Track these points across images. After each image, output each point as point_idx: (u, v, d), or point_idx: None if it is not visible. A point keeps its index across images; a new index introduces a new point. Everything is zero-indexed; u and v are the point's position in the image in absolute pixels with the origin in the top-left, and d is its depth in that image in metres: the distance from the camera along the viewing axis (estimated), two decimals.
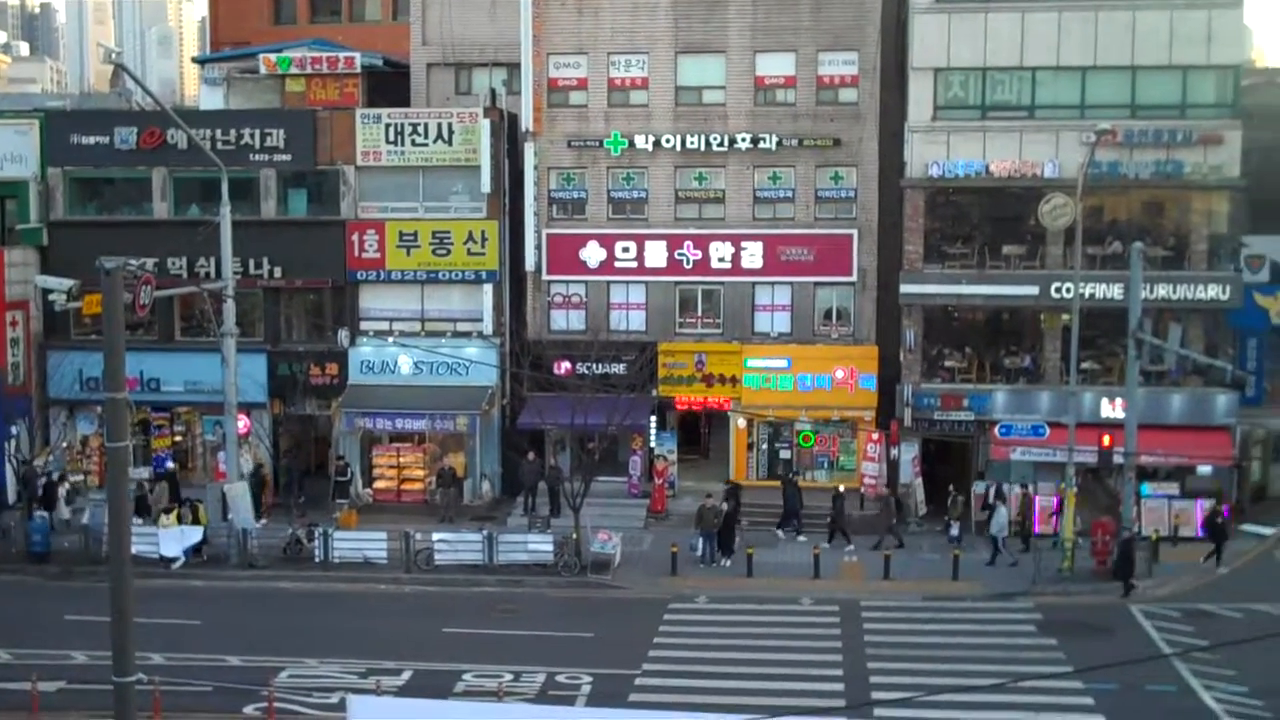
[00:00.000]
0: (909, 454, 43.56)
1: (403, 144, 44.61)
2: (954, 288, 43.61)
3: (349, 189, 45.12)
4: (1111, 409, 41.76)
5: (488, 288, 45.17)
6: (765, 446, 45.56)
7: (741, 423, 45.08)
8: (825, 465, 45.27)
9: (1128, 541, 36.70)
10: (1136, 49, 42.25)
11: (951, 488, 42.32)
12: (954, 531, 40.33)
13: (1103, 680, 28.87)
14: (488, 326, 45.24)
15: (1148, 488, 41.65)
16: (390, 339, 45.18)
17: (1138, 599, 36.29)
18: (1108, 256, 43.01)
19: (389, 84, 48.42)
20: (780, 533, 41.64)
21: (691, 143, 44.56)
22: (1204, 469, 42.60)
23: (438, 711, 18.46)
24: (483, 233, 44.86)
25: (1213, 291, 42.34)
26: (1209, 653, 30.72)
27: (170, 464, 44.97)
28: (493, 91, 46.62)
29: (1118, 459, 38.92)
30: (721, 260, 44.71)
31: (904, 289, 43.64)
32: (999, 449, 42.54)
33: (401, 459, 46.12)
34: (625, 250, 45.05)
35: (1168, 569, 38.47)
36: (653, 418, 44.70)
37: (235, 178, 41.86)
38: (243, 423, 41.98)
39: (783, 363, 44.71)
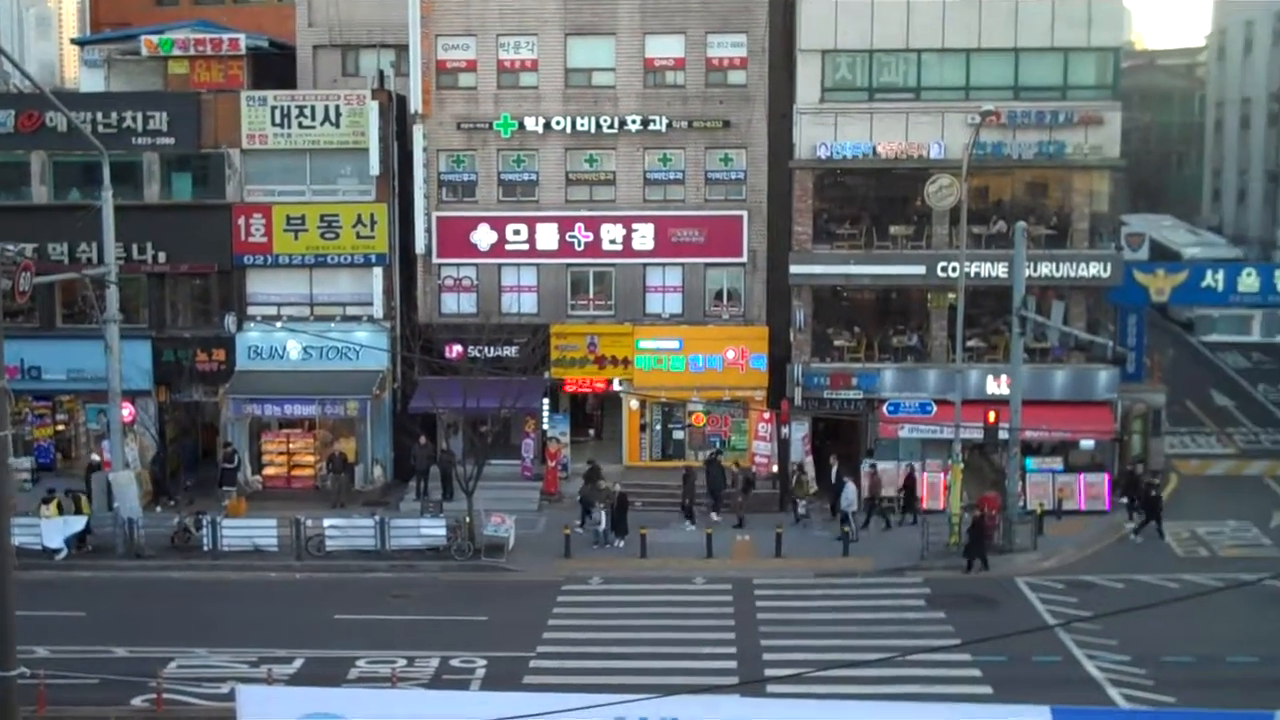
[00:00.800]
0: (799, 433, 43.95)
1: (289, 127, 44.05)
2: (842, 268, 44.05)
3: (234, 172, 44.47)
4: (997, 386, 42.46)
5: (377, 271, 44.80)
6: (661, 428, 45.67)
7: (634, 404, 45.20)
8: (717, 445, 45.47)
9: (978, 520, 37.23)
10: (1019, 31, 42.88)
11: (798, 466, 42.80)
12: (801, 510, 40.75)
13: (990, 652, 29.41)
14: (378, 310, 44.88)
15: (1032, 463, 42.44)
16: (278, 324, 44.65)
17: (1022, 570, 36.98)
18: (992, 236, 43.69)
19: (274, 66, 47.73)
20: (715, 515, 41.72)
21: (582, 125, 44.50)
22: (1086, 443, 43.51)
23: (330, 699, 18.33)
24: (372, 216, 44.46)
25: (1094, 269, 43.19)
26: (1092, 623, 31.41)
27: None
28: (381, 73, 46.18)
29: (1003, 435, 39.61)
30: (613, 242, 44.73)
31: (793, 269, 44.00)
32: (887, 427, 43.08)
33: (291, 445, 45.61)
34: (516, 233, 44.90)
35: (1052, 542, 39.24)
36: (545, 400, 44.65)
37: (117, 161, 41.05)
38: (127, 411, 41.25)
39: (674, 344, 44.87)
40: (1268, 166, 69.55)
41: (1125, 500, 41.32)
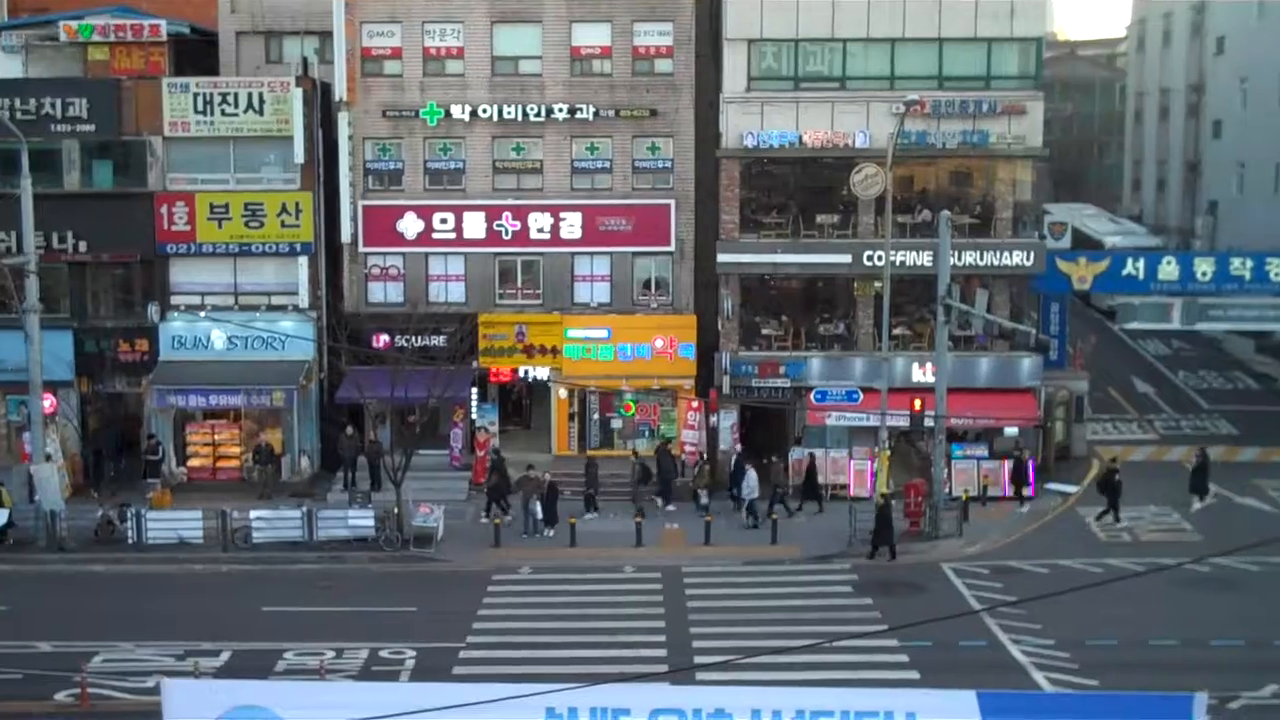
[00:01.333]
0: (728, 421, 44.14)
1: (212, 114, 43.56)
2: (770, 257, 44.26)
3: (156, 160, 43.92)
4: (922, 373, 42.84)
5: (303, 260, 44.44)
6: (597, 417, 45.65)
7: (563, 393, 45.17)
8: (646, 434, 45.58)
9: (883, 509, 37.48)
10: (943, 22, 43.21)
11: (703, 456, 42.96)
12: (703, 500, 40.93)
13: (917, 638, 29.70)
14: (304, 300, 44.53)
15: (958, 449, 42.87)
16: (202, 314, 44.19)
17: (949, 557, 37.36)
18: (917, 225, 44.05)
19: (197, 52, 47.17)
20: (660, 503, 41.75)
21: (508, 113, 44.35)
22: (1011, 430, 44.02)
23: (257, 692, 18.20)
24: (297, 204, 44.09)
25: (1017, 258, 43.67)
26: (1017, 608, 31.78)
27: None
28: (305, 60, 45.79)
29: (929, 422, 39.99)
30: (540, 231, 44.64)
31: (721, 258, 44.14)
32: (814, 415, 43.36)
33: (216, 436, 45.16)
34: (443, 221, 44.69)
35: (977, 528, 39.66)
36: (474, 389, 44.53)
37: (36, 149, 40.46)
38: (49, 402, 40.67)
39: (603, 333, 44.87)
40: (1186, 156, 70.65)
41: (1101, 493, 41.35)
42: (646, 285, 45.32)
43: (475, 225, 44.63)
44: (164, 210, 44.00)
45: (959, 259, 42.15)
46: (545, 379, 44.97)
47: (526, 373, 44.94)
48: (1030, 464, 42.23)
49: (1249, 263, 46.27)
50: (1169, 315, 46.44)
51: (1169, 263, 46.81)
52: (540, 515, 39.52)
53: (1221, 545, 35.24)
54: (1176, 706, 17.42)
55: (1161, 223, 72.76)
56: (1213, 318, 47.02)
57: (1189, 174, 70.38)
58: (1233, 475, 43.87)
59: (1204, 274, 46.16)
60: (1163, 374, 56.01)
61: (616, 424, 45.68)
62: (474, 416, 44.72)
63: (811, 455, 42.38)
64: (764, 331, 45.04)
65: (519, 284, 45.28)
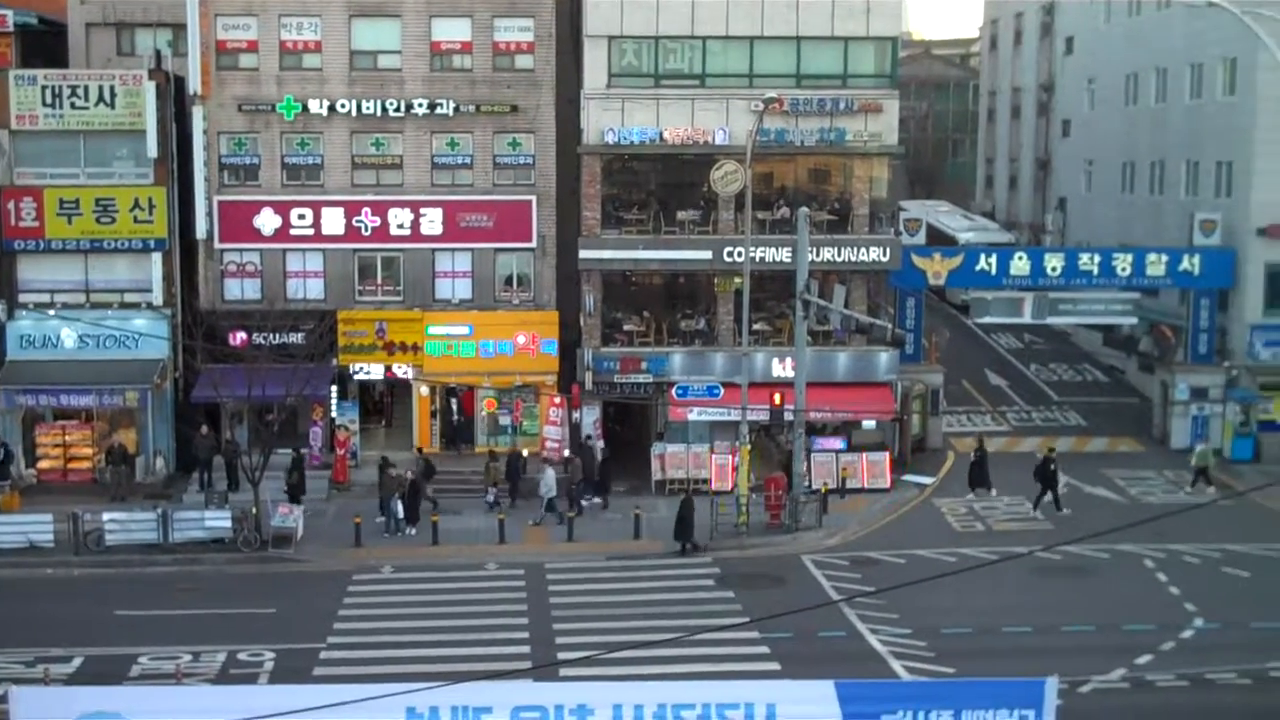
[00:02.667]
0: (590, 417, 44.21)
1: (61, 107, 42.48)
2: (631, 253, 44.42)
3: (3, 154, 42.71)
4: (782, 368, 43.33)
5: (156, 257, 43.56)
6: (463, 416, 45.38)
7: (424, 390, 44.88)
8: (509, 430, 45.48)
9: (686, 503, 37.67)
10: (800, 20, 43.70)
11: (490, 451, 42.81)
12: (489, 497, 40.85)
13: (778, 629, 30.04)
14: (157, 297, 43.65)
15: (817, 443, 43.43)
16: (52, 312, 43.09)
17: (808, 548, 37.83)
18: (776, 221, 44.52)
19: (45, 44, 46.01)
20: (585, 502, 41.51)
21: (367, 108, 43.92)
22: (869, 423, 44.74)
23: (109, 698, 17.85)
24: (150, 200, 43.20)
25: (874, 254, 44.37)
26: (875, 598, 32.29)
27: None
28: (157, 53, 44.86)
29: (788, 416, 40.46)
30: (401, 227, 44.29)
31: (583, 254, 44.20)
32: (677, 410, 43.63)
33: (68, 437, 44.09)
34: (301, 217, 44.11)
35: (836, 519, 40.21)
36: (333, 387, 44.04)
37: None
38: None
39: (465, 329, 44.67)
40: (1037, 154, 72.33)
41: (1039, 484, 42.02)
42: (508, 281, 45.20)
43: (334, 221, 44.13)
44: (11, 206, 42.82)
45: (817, 255, 42.72)
46: (409, 376, 44.64)
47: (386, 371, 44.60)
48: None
49: (1097, 258, 47.57)
50: (1020, 310, 47.54)
51: (1020, 258, 47.92)
52: (402, 514, 39.22)
53: (1072, 534, 36.20)
54: (1028, 692, 17.90)
55: (1013, 219, 74.41)
56: (1062, 312, 48.26)
57: (1039, 171, 72.07)
58: (1082, 465, 45.05)
59: (1054, 269, 47.34)
60: (1015, 367, 57.28)
61: (506, 420, 45.57)
62: (334, 415, 44.23)
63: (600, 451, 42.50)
64: (626, 327, 45.18)
65: (379, 280, 44.89)
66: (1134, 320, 48.84)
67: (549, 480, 40.22)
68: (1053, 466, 41.09)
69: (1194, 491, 42.12)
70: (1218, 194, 48.57)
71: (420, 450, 43.26)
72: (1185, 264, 46.91)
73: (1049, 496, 40.68)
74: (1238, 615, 31.55)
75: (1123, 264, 47.15)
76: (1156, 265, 47.02)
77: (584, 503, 40.98)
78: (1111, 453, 47.08)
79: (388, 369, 44.79)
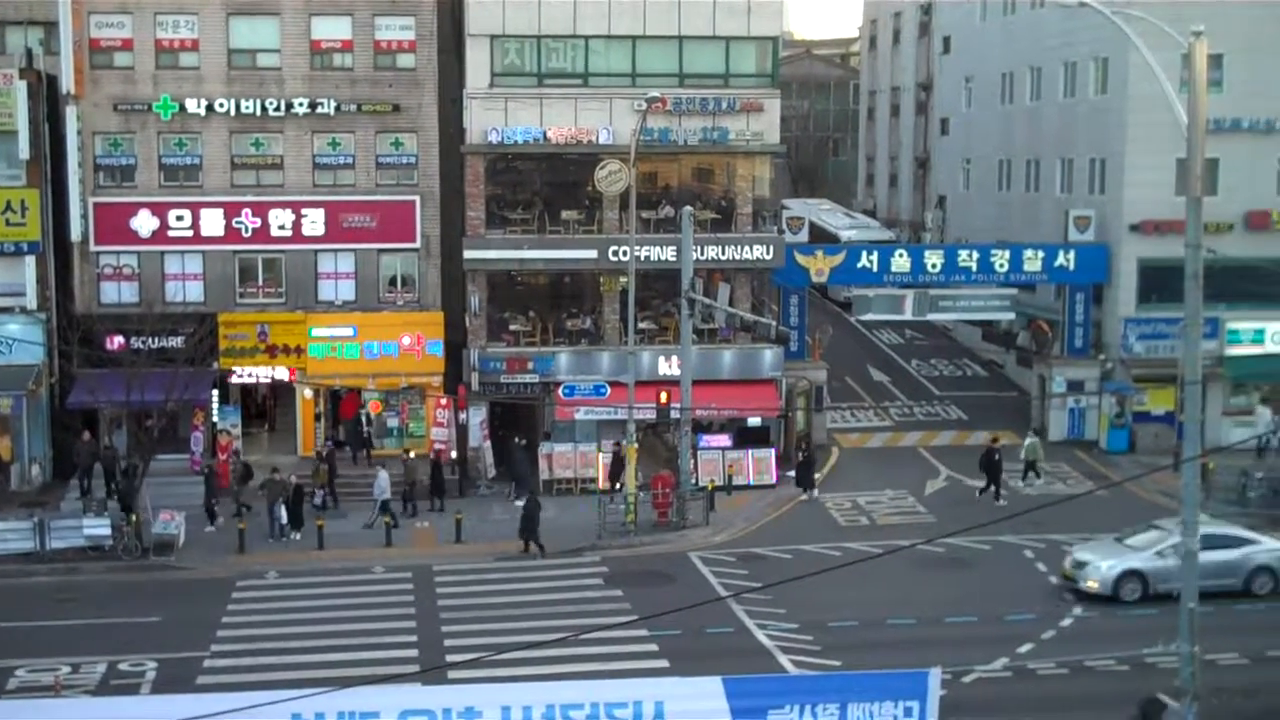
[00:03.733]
0: (477, 418, 44.04)
1: None
2: (516, 253, 44.34)
3: None
4: (668, 366, 43.50)
5: (30, 260, 42.61)
6: (369, 425, 44.94)
7: (308, 393, 44.39)
8: (395, 433, 45.14)
9: (530, 501, 37.63)
10: (682, 20, 43.92)
11: (318, 453, 42.36)
12: (316, 500, 40.34)
13: (666, 627, 30.17)
14: (31, 301, 42.71)
15: (703, 440, 43.64)
16: None
17: (696, 545, 38.01)
18: (661, 220, 44.69)
19: None
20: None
21: (246, 107, 43.33)
22: (754, 420, 45.07)
23: None
24: (22, 202, 42.23)
25: (758, 252, 44.73)
26: (761, 593, 32.54)
27: None
28: (29, 51, 43.78)
29: (675, 414, 40.62)
30: (282, 228, 43.76)
31: (467, 254, 44.03)
32: (563, 410, 43.62)
33: None
34: (180, 219, 43.40)
35: (723, 516, 40.44)
36: (215, 391, 43.38)
37: None
38: None
39: (349, 331, 44.27)
40: (916, 153, 73.28)
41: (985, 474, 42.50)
42: (392, 282, 44.88)
43: (213, 222, 43.48)
44: None
45: (702, 254, 42.96)
46: (291, 380, 44.12)
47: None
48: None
49: (975, 255, 48.38)
50: (902, 306, 48.18)
51: (901, 256, 48.59)
52: (285, 519, 38.74)
53: (954, 526, 36.75)
54: (912, 683, 18.13)
55: (894, 217, 75.34)
56: (942, 308, 49.00)
57: (919, 170, 73.04)
58: (963, 458, 45.71)
59: (934, 266, 48.07)
60: (897, 363, 58.02)
61: (394, 423, 45.21)
62: (215, 419, 43.59)
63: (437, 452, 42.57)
64: (512, 327, 45.08)
65: (260, 282, 44.33)
66: (1012, 315, 49.74)
67: (382, 482, 39.70)
68: (996, 456, 41.90)
69: (1025, 484, 42.93)
70: (1091, 191, 49.62)
71: (320, 453, 42.62)
72: (1061, 260, 47.87)
73: (993, 487, 41.59)
74: (1115, 603, 32.23)
75: (1000, 260, 48.01)
76: (1033, 261, 47.93)
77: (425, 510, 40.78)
78: None
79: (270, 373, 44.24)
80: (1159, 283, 46.01)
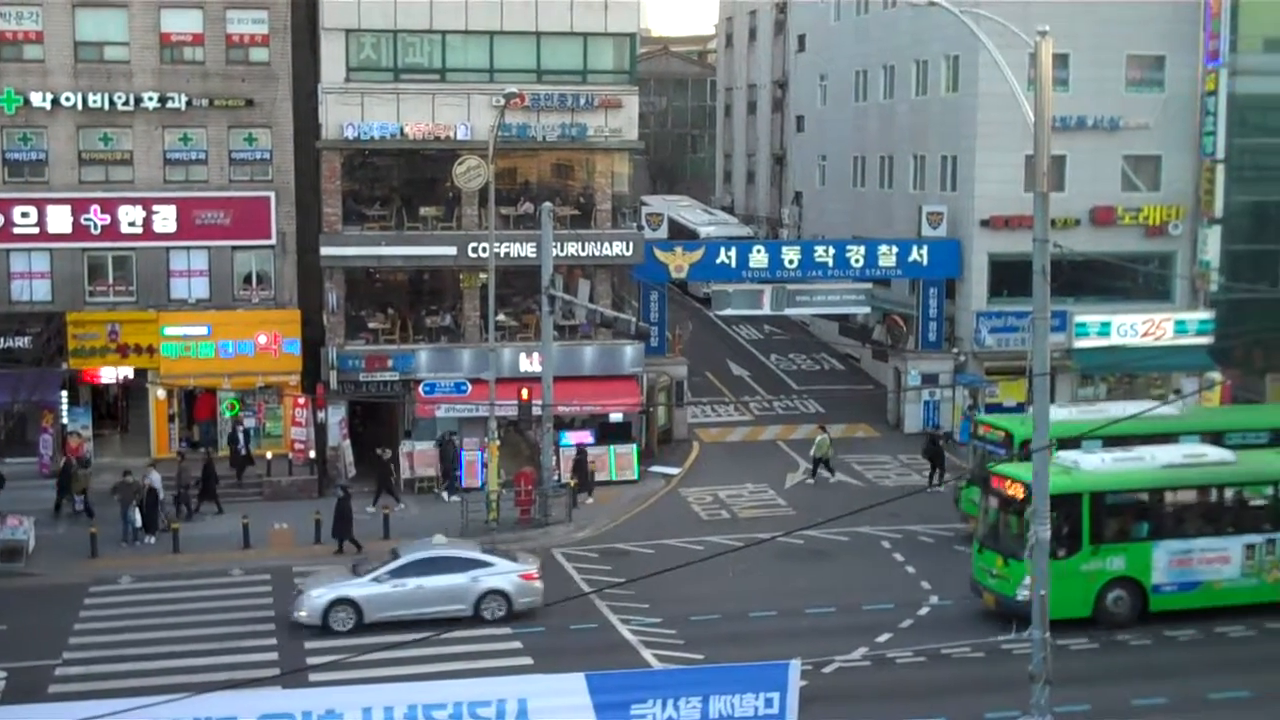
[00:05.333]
0: (336, 417, 43.54)
1: None
2: (374, 249, 43.92)
3: None
4: (529, 363, 43.43)
5: None
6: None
7: (161, 393, 43.50)
8: (253, 433, 44.42)
9: (342, 500, 37.21)
10: (540, 16, 43.87)
11: (72, 460, 40.99)
12: (78, 506, 39.35)
13: (530, 624, 30.11)
14: None
15: (566, 437, 43.66)
16: None
17: (559, 542, 38.02)
18: (521, 216, 44.62)
19: None
20: (445, 495, 41.19)
21: (94, 101, 42.33)
22: (616, 416, 45.18)
23: None
24: None
25: (617, 248, 44.84)
26: (625, 588, 32.63)
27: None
28: None
29: (536, 411, 40.57)
30: (132, 225, 42.83)
31: (324, 251, 43.51)
32: (424, 407, 43.33)
33: None
34: (24, 215, 42.25)
35: (586, 513, 40.49)
36: (64, 393, 42.30)
37: None
38: None
39: (203, 329, 43.48)
40: (773, 150, 74.06)
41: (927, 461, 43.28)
42: (247, 280, 44.20)
43: (60, 219, 42.41)
44: None
45: (561, 250, 42.96)
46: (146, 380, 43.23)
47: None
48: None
49: (831, 250, 49.07)
50: (760, 302, 48.68)
51: (759, 251, 49.09)
52: (139, 522, 37.92)
53: (813, 518, 37.22)
54: (773, 674, 18.37)
55: (752, 213, 76.05)
56: (800, 303, 49.59)
57: (776, 166, 73.81)
58: None
59: (791, 261, 48.63)
60: (756, 357, 58.59)
61: (249, 423, 44.40)
62: (65, 421, 42.51)
63: (208, 451, 42.07)
64: (371, 325, 44.64)
65: (111, 280, 43.37)
66: (867, 310, 50.51)
67: (155, 481, 38.89)
68: (940, 443, 42.84)
69: (816, 482, 43.72)
70: (943, 187, 50.59)
71: (182, 455, 41.79)
72: (914, 255, 48.73)
73: (939, 472, 42.58)
74: (969, 591, 32.92)
75: (856, 255, 48.74)
76: (887, 256, 48.74)
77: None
78: (849, 438, 48.55)
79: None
80: (1009, 277, 47.05)
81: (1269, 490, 32.10)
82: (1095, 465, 31.38)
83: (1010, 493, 30.95)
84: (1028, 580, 28.58)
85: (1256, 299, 50.82)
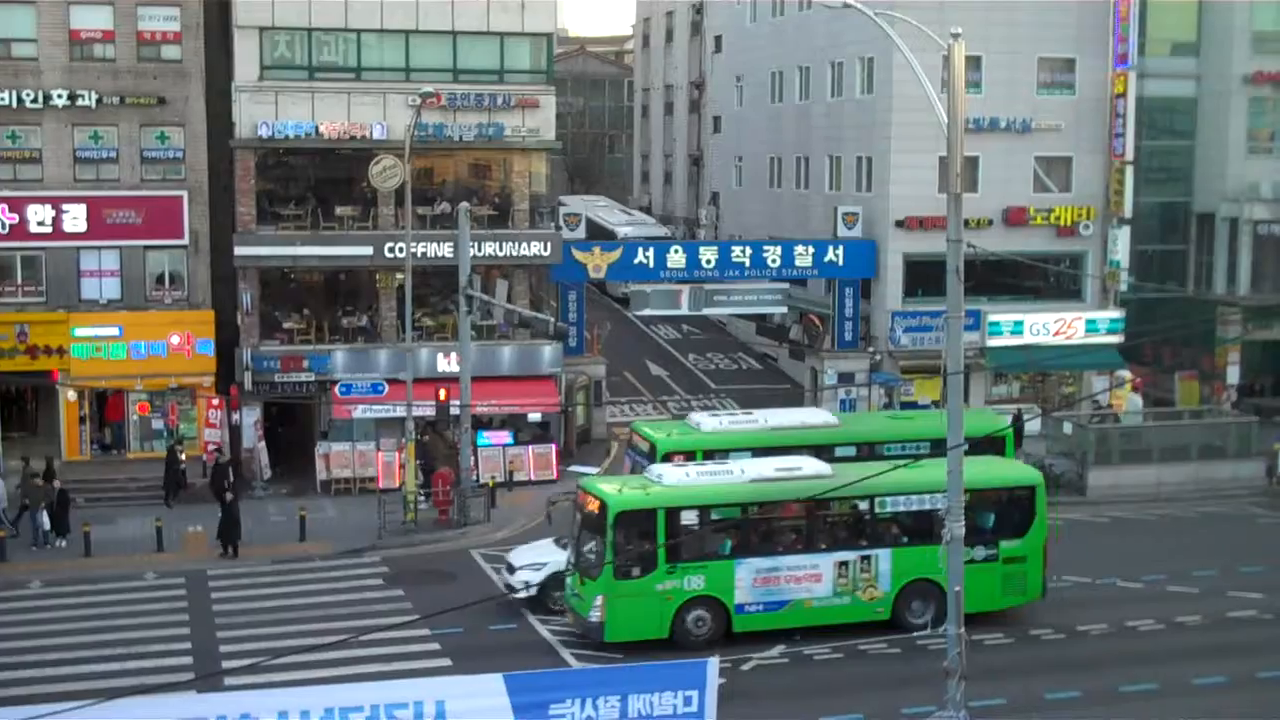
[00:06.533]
0: (251, 418, 43.13)
1: None
2: (289, 249, 43.55)
3: None
4: (447, 363, 43.27)
5: None
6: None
7: (71, 395, 42.86)
8: (166, 434, 43.89)
9: (229, 506, 36.91)
10: (456, 15, 43.76)
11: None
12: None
13: (448, 625, 30.02)
14: None
15: (484, 437, 43.54)
16: None
17: (476, 543, 37.90)
18: (438, 216, 44.45)
19: None
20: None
21: (1, 99, 41.62)
22: (534, 416, 45.13)
23: None
24: None
25: (535, 248, 44.80)
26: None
27: None
28: None
29: (454, 411, 40.42)
30: (41, 224, 42.18)
31: (238, 251, 43.08)
32: (340, 408, 43.04)
33: None
34: None
35: (505, 513, 40.40)
36: None
37: None
38: None
39: (114, 330, 42.92)
40: (690, 150, 74.32)
41: None
42: (160, 280, 43.70)
43: None
44: None
45: (479, 250, 42.84)
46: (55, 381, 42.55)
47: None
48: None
49: (748, 250, 49.33)
50: (678, 301, 48.85)
51: (676, 251, 49.24)
52: (49, 526, 37.32)
53: None
54: (691, 672, 18.45)
55: (669, 213, 76.26)
56: (717, 303, 49.82)
57: (693, 167, 74.06)
58: None
59: (708, 262, 48.82)
60: (674, 357, 58.69)
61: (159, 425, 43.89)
62: None
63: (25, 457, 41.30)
64: (286, 325, 44.27)
65: (19, 281, 42.73)
66: (784, 309, 50.83)
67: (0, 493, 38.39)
68: None
69: None
70: (859, 188, 51.00)
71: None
72: (830, 255, 49.08)
73: None
74: None
75: (773, 256, 49.02)
76: (804, 256, 49.06)
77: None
78: None
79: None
80: (924, 277, 47.54)
81: (865, 505, 30.49)
82: (677, 480, 29.87)
83: (590, 509, 29.70)
84: (599, 600, 28.97)
85: (1165, 298, 51.83)
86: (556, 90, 46.02)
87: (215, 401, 42.91)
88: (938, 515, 27.99)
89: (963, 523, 23.06)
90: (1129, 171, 49.21)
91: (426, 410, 40.97)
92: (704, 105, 71.07)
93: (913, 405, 47.95)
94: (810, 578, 29.97)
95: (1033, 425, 44.12)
